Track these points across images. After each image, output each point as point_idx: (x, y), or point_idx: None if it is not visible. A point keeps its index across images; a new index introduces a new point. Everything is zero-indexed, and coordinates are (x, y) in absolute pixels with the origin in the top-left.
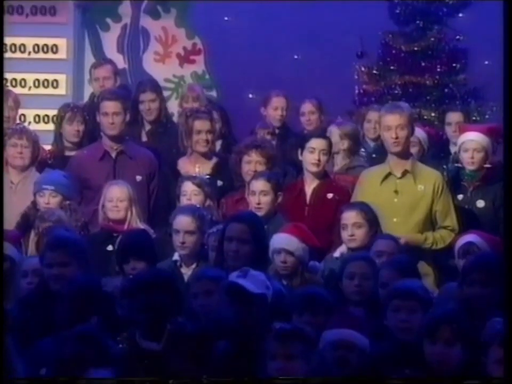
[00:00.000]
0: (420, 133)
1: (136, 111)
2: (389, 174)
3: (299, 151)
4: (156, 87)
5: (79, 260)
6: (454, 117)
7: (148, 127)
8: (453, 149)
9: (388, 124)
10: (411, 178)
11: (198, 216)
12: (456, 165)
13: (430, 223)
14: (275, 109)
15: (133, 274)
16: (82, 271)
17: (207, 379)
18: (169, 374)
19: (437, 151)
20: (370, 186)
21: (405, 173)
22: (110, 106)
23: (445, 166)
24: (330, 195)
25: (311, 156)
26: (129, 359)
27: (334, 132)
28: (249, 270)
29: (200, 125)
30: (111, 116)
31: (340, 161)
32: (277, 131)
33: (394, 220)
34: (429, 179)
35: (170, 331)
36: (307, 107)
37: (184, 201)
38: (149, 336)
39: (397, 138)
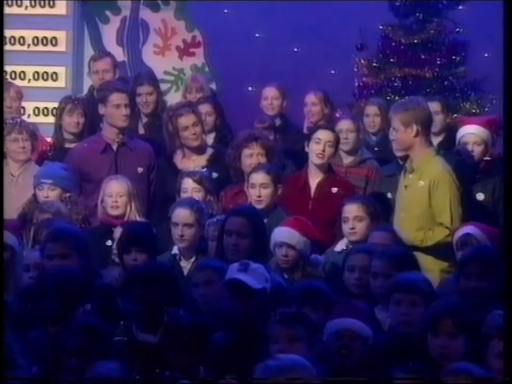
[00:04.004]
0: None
1: (133, 103)
2: (405, 169)
3: (306, 143)
4: (153, 80)
5: (80, 252)
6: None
7: (144, 119)
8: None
9: (393, 125)
10: (417, 173)
11: (197, 209)
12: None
13: (430, 219)
14: (265, 99)
15: (132, 266)
16: (82, 263)
17: (203, 373)
18: (166, 366)
19: None
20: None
21: (414, 168)
22: (121, 98)
23: None
24: (335, 189)
25: (317, 146)
26: (127, 351)
27: (346, 124)
28: (249, 264)
29: (185, 120)
30: (123, 107)
31: (349, 155)
32: (277, 124)
33: (402, 214)
34: (429, 175)
35: (168, 323)
36: (310, 98)
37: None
38: (146, 328)
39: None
